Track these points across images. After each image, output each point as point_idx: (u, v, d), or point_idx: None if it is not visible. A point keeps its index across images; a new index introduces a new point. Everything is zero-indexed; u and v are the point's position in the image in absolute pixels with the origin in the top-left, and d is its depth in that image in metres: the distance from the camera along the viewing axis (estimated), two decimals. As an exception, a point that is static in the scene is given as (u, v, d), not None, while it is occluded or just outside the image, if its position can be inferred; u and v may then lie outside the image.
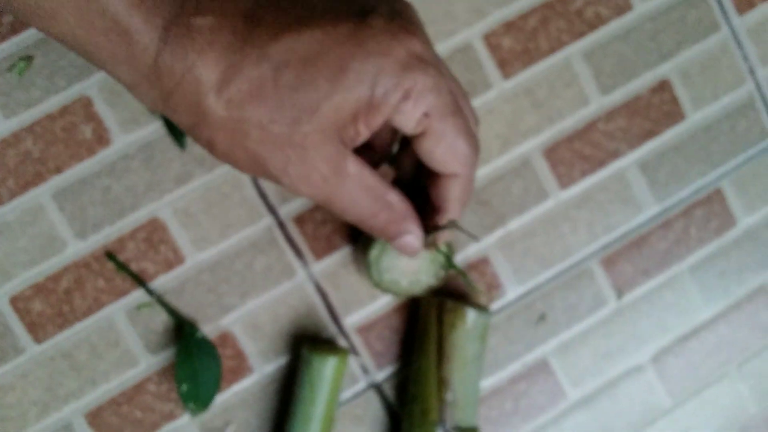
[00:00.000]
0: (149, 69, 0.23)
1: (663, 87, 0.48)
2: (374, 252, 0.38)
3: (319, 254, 0.45)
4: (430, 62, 0.24)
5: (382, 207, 0.27)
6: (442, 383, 0.42)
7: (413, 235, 0.29)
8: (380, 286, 0.39)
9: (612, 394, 0.48)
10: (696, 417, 0.50)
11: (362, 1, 0.24)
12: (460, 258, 0.47)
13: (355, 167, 0.26)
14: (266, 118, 0.23)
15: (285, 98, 0.23)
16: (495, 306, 0.47)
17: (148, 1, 0.22)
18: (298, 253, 0.45)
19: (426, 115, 0.25)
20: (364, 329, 0.46)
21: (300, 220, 0.45)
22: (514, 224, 0.47)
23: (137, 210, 0.43)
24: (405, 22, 0.24)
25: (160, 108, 0.24)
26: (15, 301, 0.43)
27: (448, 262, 0.37)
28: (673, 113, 0.48)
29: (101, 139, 0.43)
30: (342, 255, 0.46)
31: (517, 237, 0.47)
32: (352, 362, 0.46)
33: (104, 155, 0.43)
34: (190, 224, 0.44)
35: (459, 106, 0.26)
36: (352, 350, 0.46)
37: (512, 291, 0.47)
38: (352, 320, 0.46)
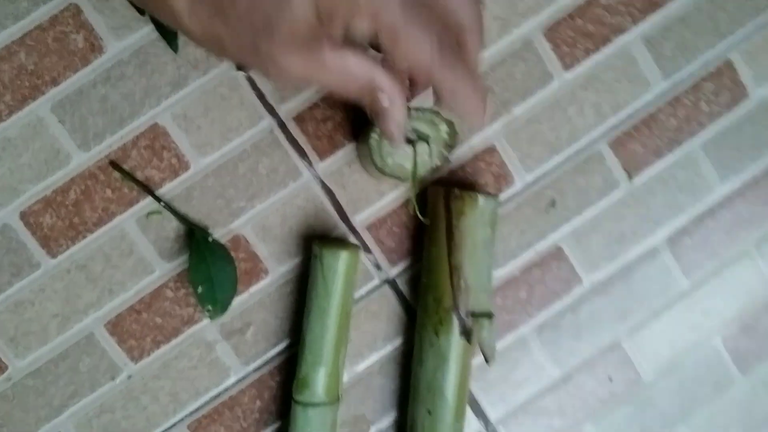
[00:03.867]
0: None
1: (666, -45, 0.46)
2: (374, 136, 0.37)
3: (323, 153, 0.45)
4: None
5: (368, 79, 0.28)
6: (454, 270, 0.42)
7: (397, 110, 0.30)
8: (384, 172, 0.38)
9: (627, 279, 0.48)
10: (715, 298, 0.49)
11: None
12: (465, 148, 0.46)
13: (330, 46, 0.27)
14: (233, 33, 0.26)
15: (243, 17, 0.25)
16: (504, 195, 0.47)
17: None
18: (302, 153, 0.45)
19: (376, 27, 0.27)
20: (374, 226, 0.46)
21: (300, 119, 0.44)
22: (519, 110, 0.46)
23: (137, 117, 0.43)
24: None
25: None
26: (25, 216, 0.43)
27: (452, 138, 0.37)
28: (678, -18, 0.46)
29: (94, 47, 0.43)
30: (346, 153, 0.45)
31: (523, 123, 0.46)
32: (365, 260, 0.46)
33: (98, 63, 0.43)
34: (191, 129, 0.44)
35: (411, 17, 0.27)
36: (364, 247, 0.46)
37: (520, 179, 0.47)
38: (361, 218, 0.46)
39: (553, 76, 0.46)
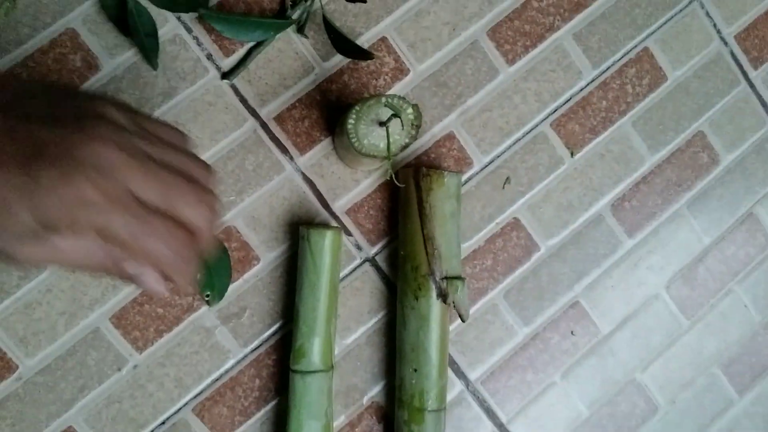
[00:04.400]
0: None
1: (584, -38, 0.54)
2: (350, 121, 0.43)
3: (302, 149, 0.50)
4: (96, 204, 0.26)
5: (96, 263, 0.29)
6: (427, 240, 0.48)
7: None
8: (362, 152, 0.44)
9: (579, 242, 0.54)
10: (657, 255, 0.56)
11: (40, 146, 0.26)
12: (428, 136, 0.52)
13: (65, 243, 0.28)
14: None
15: None
16: (465, 176, 0.53)
17: None
18: (283, 149, 0.50)
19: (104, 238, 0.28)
20: (353, 211, 0.51)
21: (280, 119, 0.50)
22: (472, 101, 0.53)
23: (132, 125, 0.48)
24: (77, 167, 0.26)
25: None
26: (33, 221, 0.47)
27: (417, 118, 0.43)
28: (596, -15, 0.54)
29: (90, 66, 0.47)
30: (323, 147, 0.51)
31: (476, 112, 0.53)
32: (347, 241, 0.51)
33: (95, 80, 0.47)
34: (182, 133, 0.49)
35: (138, 221, 0.27)
36: (344, 231, 0.51)
37: (478, 161, 0.53)
38: (340, 204, 0.51)
39: (499, 70, 0.53)
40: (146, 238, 0.28)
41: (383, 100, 0.42)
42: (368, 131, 0.43)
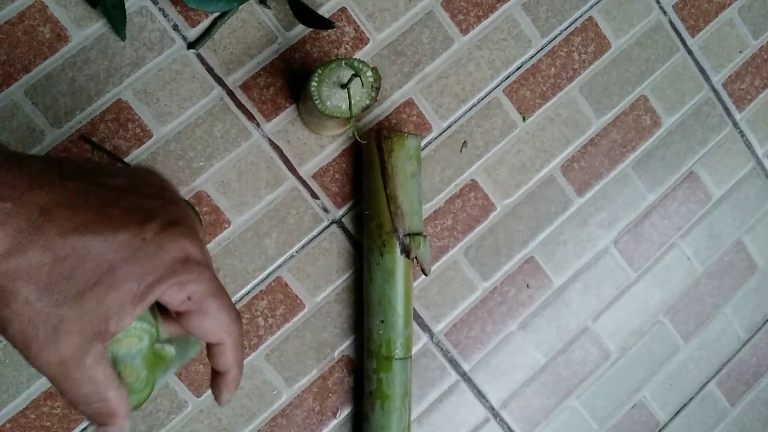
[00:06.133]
0: None
1: (530, -64, 0.57)
2: (313, 84, 0.46)
3: (268, 115, 0.53)
4: (195, 261, 0.29)
5: (97, 400, 0.29)
6: (390, 199, 0.51)
7: (115, 428, 0.32)
8: (325, 114, 0.46)
9: (532, 201, 0.58)
10: (604, 211, 0.60)
11: (146, 211, 0.28)
12: (388, 103, 0.55)
13: (92, 361, 0.28)
14: (34, 296, 0.26)
15: (56, 284, 0.26)
16: (425, 141, 0.56)
17: None
18: (250, 116, 0.52)
19: (189, 298, 0.29)
20: (319, 175, 0.54)
21: (246, 86, 0.52)
22: (429, 69, 0.56)
23: (102, 95, 0.50)
24: (179, 229, 0.29)
25: None
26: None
27: (376, 81, 0.46)
28: (542, -43, 0.58)
29: (60, 37, 0.49)
30: (288, 113, 0.53)
31: (433, 79, 0.56)
32: (314, 204, 0.54)
33: (65, 51, 0.49)
34: (151, 102, 0.50)
35: (220, 289, 0.29)
36: (311, 194, 0.54)
37: (436, 126, 0.56)
38: (306, 168, 0.54)
39: (453, 39, 0.56)
40: (225, 304, 0.30)
41: (343, 62, 0.45)
42: (331, 93, 0.46)
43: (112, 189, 0.29)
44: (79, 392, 0.28)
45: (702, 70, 0.62)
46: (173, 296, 0.29)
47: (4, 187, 0.26)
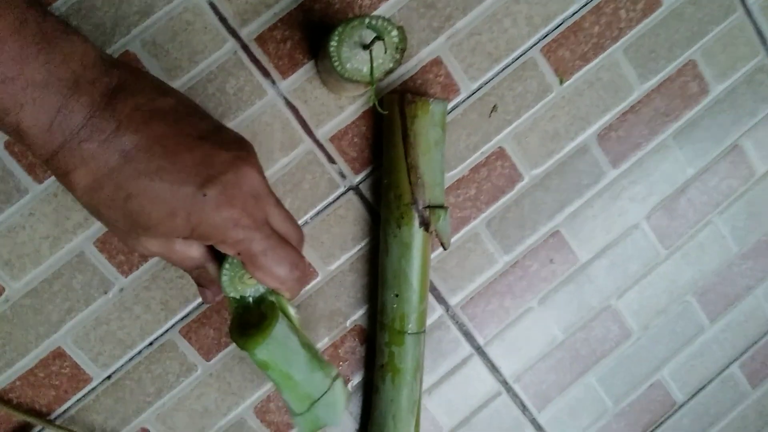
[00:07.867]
0: (47, 152, 0.30)
1: None
2: (333, 43, 0.42)
3: (285, 72, 0.49)
4: (244, 225, 0.33)
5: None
6: (411, 169, 0.47)
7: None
8: (344, 77, 0.42)
9: (562, 172, 0.54)
10: (639, 185, 0.56)
11: (216, 165, 0.32)
12: (414, 61, 0.51)
13: (181, 246, 0.37)
14: (112, 219, 0.32)
15: (128, 213, 0.31)
16: (451, 104, 0.52)
17: (59, 118, 0.29)
18: (265, 72, 0.49)
19: (239, 254, 0.34)
20: (336, 138, 0.51)
21: (261, 40, 0.48)
22: (460, 24, 0.51)
23: (109, 46, 0.46)
24: (238, 192, 0.33)
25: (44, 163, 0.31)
26: (9, 145, 0.46)
27: (401, 41, 0.41)
28: None
29: (60, -20, 0.45)
30: (306, 70, 0.49)
31: (464, 36, 0.51)
32: (330, 169, 0.51)
33: (66, -5, 0.45)
34: (160, 54, 0.47)
35: (273, 245, 0.35)
36: (328, 158, 0.51)
37: (465, 88, 0.52)
38: (324, 131, 0.50)
39: (489, -9, 0.51)
40: (273, 260, 0.35)
41: (366, 21, 0.41)
42: (351, 54, 0.42)
43: (192, 136, 0.31)
44: (188, 262, 0.38)
45: (760, 33, 0.56)
46: (225, 250, 0.34)
47: (94, 131, 0.29)
